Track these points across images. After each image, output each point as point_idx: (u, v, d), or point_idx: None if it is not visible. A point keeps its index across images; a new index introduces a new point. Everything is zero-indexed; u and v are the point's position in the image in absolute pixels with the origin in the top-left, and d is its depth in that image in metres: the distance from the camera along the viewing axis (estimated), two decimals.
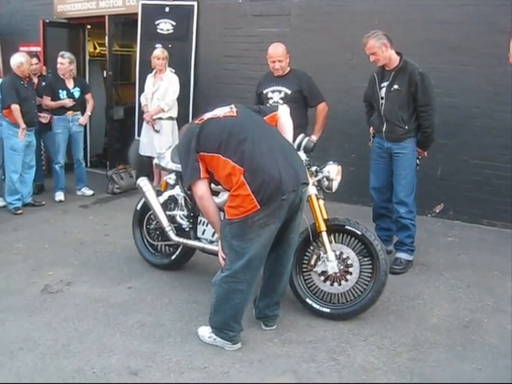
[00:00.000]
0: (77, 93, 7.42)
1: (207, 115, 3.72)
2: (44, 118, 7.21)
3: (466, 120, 6.11)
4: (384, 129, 4.89)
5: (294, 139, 4.09)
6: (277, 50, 5.40)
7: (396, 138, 4.83)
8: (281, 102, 5.27)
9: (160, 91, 7.19)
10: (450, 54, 6.11)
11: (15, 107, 6.54)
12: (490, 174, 6.07)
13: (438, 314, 4.17)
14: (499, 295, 4.44)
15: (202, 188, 3.57)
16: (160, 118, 7.22)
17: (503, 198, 6.01)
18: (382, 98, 4.85)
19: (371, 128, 5.22)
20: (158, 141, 7.24)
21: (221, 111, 3.70)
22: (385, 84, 4.82)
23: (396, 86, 4.75)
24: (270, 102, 5.39)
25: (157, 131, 7.23)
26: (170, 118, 7.27)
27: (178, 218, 4.62)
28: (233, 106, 3.75)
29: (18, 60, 6.73)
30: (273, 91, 5.42)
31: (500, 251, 5.38)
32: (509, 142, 5.84)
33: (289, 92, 5.35)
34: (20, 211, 6.76)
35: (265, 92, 5.46)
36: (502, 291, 4.52)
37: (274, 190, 3.36)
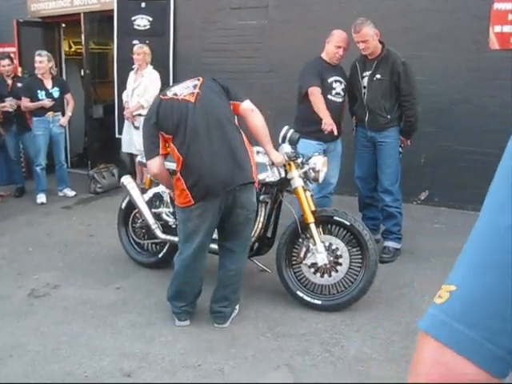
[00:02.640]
0: (56, 93, 7.29)
1: (171, 90, 3.75)
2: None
3: (448, 106, 6.12)
4: (367, 118, 4.88)
5: None
6: (344, 34, 4.91)
7: (379, 127, 4.83)
8: (342, 93, 5.02)
9: (140, 88, 7.09)
10: (429, 41, 6.11)
11: None
12: (473, 160, 6.08)
13: (428, 301, 4.06)
14: None
15: (156, 165, 3.69)
16: (140, 115, 7.12)
17: (488, 182, 5.93)
18: (365, 88, 4.83)
19: (354, 117, 5.21)
20: (138, 137, 7.13)
21: (184, 89, 3.70)
22: (367, 73, 4.81)
23: (378, 76, 4.74)
24: (333, 92, 4.97)
25: (136, 128, 7.15)
26: None
27: (164, 216, 4.57)
28: (198, 83, 3.72)
29: None
30: (335, 81, 4.99)
31: None
32: (491, 127, 5.85)
33: (346, 84, 5.07)
34: None
35: (329, 81, 4.94)
36: None
37: (206, 191, 3.51)
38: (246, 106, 3.74)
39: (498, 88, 5.80)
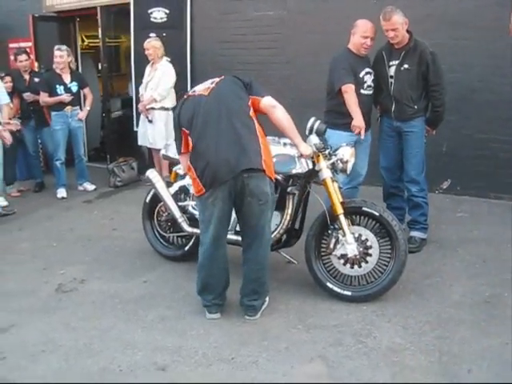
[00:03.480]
0: (74, 87, 7.30)
1: (194, 88, 3.96)
2: (14, 125, 6.76)
3: (469, 95, 6.08)
4: (393, 108, 4.85)
5: None
6: (370, 24, 4.79)
7: (405, 117, 4.80)
8: (372, 85, 4.95)
9: (154, 81, 7.10)
10: (450, 29, 6.06)
11: None
12: (494, 148, 6.05)
13: (458, 291, 4.16)
14: None
15: (182, 163, 4.05)
16: (153, 108, 7.14)
17: (509, 170, 5.99)
18: (392, 77, 4.79)
19: (378, 107, 5.17)
20: (152, 131, 7.19)
21: (202, 86, 3.88)
22: (394, 63, 4.77)
23: (406, 66, 4.70)
24: (365, 86, 4.89)
25: (150, 121, 7.17)
26: (163, 109, 7.14)
27: (190, 208, 4.58)
28: (218, 79, 3.87)
29: None
30: (366, 73, 4.90)
31: (510, 224, 5.35)
32: None
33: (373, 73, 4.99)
34: None
35: (361, 76, 4.85)
36: None
37: (213, 177, 3.60)
38: (267, 101, 3.76)
39: None
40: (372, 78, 4.93)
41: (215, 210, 3.67)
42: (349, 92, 4.68)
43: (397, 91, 4.78)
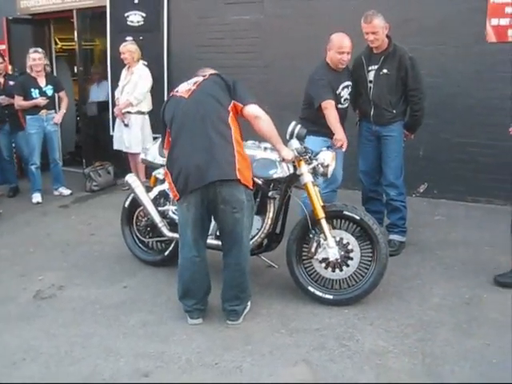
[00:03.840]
0: (49, 91, 7.21)
1: (178, 87, 3.91)
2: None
3: (447, 99, 6.15)
4: (372, 113, 4.89)
5: None
6: (346, 39, 4.75)
7: (384, 121, 4.84)
8: (349, 97, 4.99)
9: (130, 85, 7.06)
10: (428, 34, 6.14)
11: None
12: (472, 152, 6.13)
13: (438, 293, 4.20)
14: (494, 270, 4.45)
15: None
16: (129, 112, 7.10)
17: (486, 174, 6.09)
18: (371, 82, 4.83)
19: (357, 111, 5.21)
20: (128, 135, 7.15)
21: (185, 86, 3.84)
22: (373, 67, 4.80)
23: (385, 70, 4.74)
24: (342, 100, 4.91)
25: (126, 125, 7.12)
26: (140, 112, 7.10)
27: (170, 213, 4.56)
28: (200, 80, 3.83)
29: None
30: (343, 88, 4.91)
31: (487, 227, 5.47)
32: (490, 120, 5.90)
33: (351, 84, 5.01)
34: None
35: (338, 92, 4.86)
36: (495, 266, 4.55)
37: (185, 184, 3.62)
38: (250, 111, 3.69)
39: (497, 81, 5.86)
40: (349, 90, 4.96)
41: (189, 215, 3.69)
42: (329, 108, 4.68)
43: (376, 96, 4.82)
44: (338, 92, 4.86)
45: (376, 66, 4.78)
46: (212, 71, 4.02)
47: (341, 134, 4.62)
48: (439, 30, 6.07)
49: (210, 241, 4.17)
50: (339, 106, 4.88)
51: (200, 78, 3.84)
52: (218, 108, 3.67)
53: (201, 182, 3.56)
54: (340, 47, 4.74)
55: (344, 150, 4.65)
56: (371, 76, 4.82)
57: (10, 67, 8.33)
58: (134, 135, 7.08)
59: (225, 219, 3.67)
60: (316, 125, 4.74)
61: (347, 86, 4.93)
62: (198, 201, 3.62)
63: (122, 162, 7.71)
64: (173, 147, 3.73)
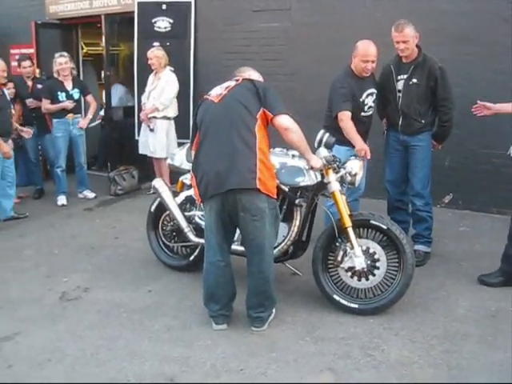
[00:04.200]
0: (76, 94, 7.30)
1: (211, 90, 3.93)
2: (27, 133, 6.90)
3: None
4: (400, 122, 4.88)
5: None
6: (371, 48, 4.74)
7: (413, 131, 4.83)
8: (373, 105, 4.98)
9: (157, 90, 7.12)
10: (454, 43, 6.10)
11: None
12: (498, 163, 6.06)
13: (463, 305, 4.17)
14: None
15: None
16: (154, 117, 7.15)
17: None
18: (399, 92, 4.82)
19: (384, 120, 5.20)
20: (153, 140, 7.20)
21: (217, 90, 3.85)
22: (403, 77, 4.80)
23: (415, 80, 4.73)
24: (365, 108, 4.91)
25: (151, 130, 7.18)
26: (165, 118, 7.16)
27: (197, 218, 4.58)
28: (232, 84, 3.82)
29: None
30: (367, 95, 4.91)
31: None
32: None
33: (376, 92, 5.00)
34: None
35: (361, 100, 4.86)
36: None
37: (205, 188, 3.68)
38: (280, 123, 3.66)
39: None
40: (373, 98, 4.95)
41: (212, 220, 3.73)
42: (344, 120, 4.70)
43: (405, 105, 4.81)
44: (361, 99, 4.86)
45: (405, 76, 4.77)
46: (250, 72, 4.07)
47: (360, 144, 4.62)
48: (465, 40, 6.04)
49: (236, 247, 4.17)
50: (362, 113, 4.89)
51: (232, 83, 3.83)
52: (245, 115, 3.66)
53: (220, 188, 3.59)
54: (365, 55, 4.74)
55: (368, 158, 4.65)
56: (400, 85, 4.81)
57: (37, 71, 8.43)
58: (158, 140, 7.13)
59: (245, 227, 3.68)
60: (340, 133, 4.71)
61: (371, 94, 4.93)
62: (219, 206, 3.64)
63: (147, 167, 7.76)
64: (198, 151, 3.78)
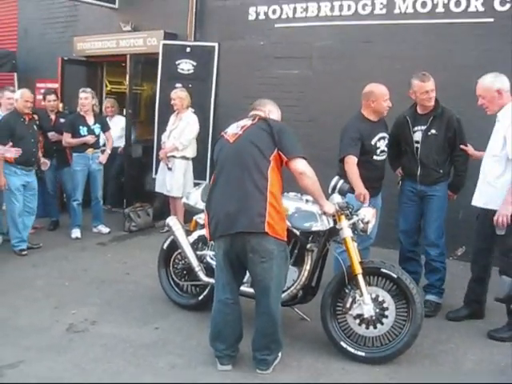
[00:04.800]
0: (97, 129, 7.44)
1: (226, 129, 3.99)
2: (44, 164, 7.00)
3: None
4: (419, 172, 4.92)
5: None
6: (384, 88, 4.92)
7: (431, 181, 4.88)
8: (386, 149, 5.03)
9: (177, 130, 7.23)
10: (470, 98, 6.14)
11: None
12: None
13: (472, 359, 4.12)
14: None
15: None
16: (173, 156, 7.25)
17: None
18: (417, 142, 4.89)
19: (398, 170, 5.24)
20: (170, 178, 7.28)
21: (233, 129, 3.89)
22: (421, 128, 4.88)
23: (433, 131, 4.82)
24: (378, 151, 4.96)
25: (169, 169, 7.26)
26: (184, 158, 7.26)
27: (208, 258, 4.60)
28: (248, 124, 3.84)
29: (13, 96, 6.73)
30: (379, 139, 4.98)
31: None
32: None
33: (388, 137, 5.07)
34: (25, 252, 6.52)
35: (373, 143, 4.93)
36: None
37: (215, 228, 3.74)
38: (295, 167, 3.68)
39: None
40: (386, 142, 5.01)
41: (220, 259, 3.77)
42: (349, 163, 4.75)
43: (424, 156, 4.87)
44: (373, 143, 4.92)
45: (424, 127, 4.85)
46: (269, 106, 4.10)
47: (360, 188, 4.67)
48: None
49: (245, 288, 4.19)
50: (375, 157, 4.96)
51: (248, 122, 3.85)
52: (258, 158, 3.67)
53: (229, 229, 3.63)
54: (385, 94, 4.88)
55: (367, 204, 4.61)
56: (418, 136, 4.89)
57: (60, 105, 8.59)
58: (175, 179, 7.21)
59: (253, 268, 3.70)
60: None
61: (383, 138, 4.99)
62: (228, 247, 3.68)
63: (162, 205, 7.82)
64: (212, 190, 3.84)
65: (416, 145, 4.90)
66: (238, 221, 3.59)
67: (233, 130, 3.87)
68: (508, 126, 4.24)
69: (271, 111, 4.09)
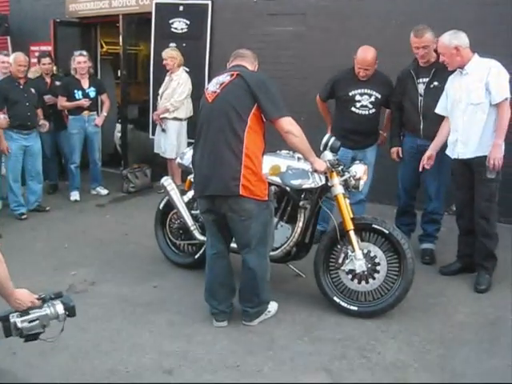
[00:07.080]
0: (92, 93, 7.41)
1: (210, 82, 3.94)
2: (43, 126, 6.96)
3: None
4: (422, 126, 4.90)
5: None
6: (366, 57, 4.97)
7: (433, 135, 4.77)
8: (370, 106, 5.11)
9: (168, 91, 7.20)
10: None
11: None
12: (506, 171, 6.04)
13: (463, 311, 4.19)
14: None
15: None
16: (166, 118, 7.24)
17: None
18: (421, 95, 4.87)
19: (391, 127, 5.26)
20: (164, 140, 7.29)
21: (213, 86, 3.80)
22: (423, 80, 4.85)
23: (436, 83, 4.79)
24: (358, 105, 5.10)
25: (163, 130, 7.27)
26: (176, 119, 7.24)
27: None
28: (227, 80, 3.71)
29: (8, 60, 6.69)
30: (361, 94, 5.10)
31: None
32: None
33: (379, 97, 5.13)
34: (24, 216, 6.58)
35: (351, 94, 5.09)
36: None
37: (195, 189, 3.94)
38: (279, 127, 3.65)
39: None
40: (371, 99, 5.08)
41: (204, 217, 3.92)
42: (316, 101, 5.39)
43: (427, 108, 4.82)
44: (350, 94, 5.07)
45: (426, 79, 4.83)
46: (244, 60, 3.97)
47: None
48: (481, 50, 6.03)
49: (235, 245, 4.25)
50: (353, 109, 5.12)
51: (227, 79, 3.71)
52: (234, 120, 3.61)
53: (205, 191, 3.72)
54: (359, 62, 5.01)
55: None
56: (421, 89, 4.86)
57: (54, 68, 8.54)
58: (169, 141, 7.23)
59: (233, 226, 3.78)
60: (342, 137, 4.70)
61: (368, 95, 5.09)
62: (209, 205, 3.78)
63: (160, 166, 7.85)
64: (194, 150, 3.94)
65: (420, 98, 4.87)
66: (212, 184, 3.65)
67: (212, 88, 3.78)
68: (487, 76, 4.27)
69: (251, 62, 4.02)
